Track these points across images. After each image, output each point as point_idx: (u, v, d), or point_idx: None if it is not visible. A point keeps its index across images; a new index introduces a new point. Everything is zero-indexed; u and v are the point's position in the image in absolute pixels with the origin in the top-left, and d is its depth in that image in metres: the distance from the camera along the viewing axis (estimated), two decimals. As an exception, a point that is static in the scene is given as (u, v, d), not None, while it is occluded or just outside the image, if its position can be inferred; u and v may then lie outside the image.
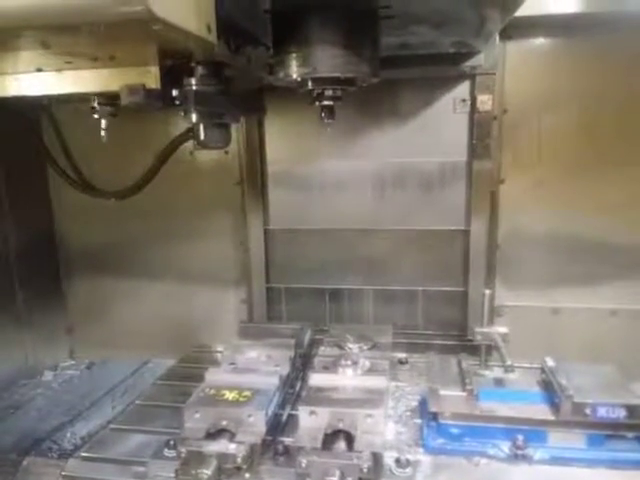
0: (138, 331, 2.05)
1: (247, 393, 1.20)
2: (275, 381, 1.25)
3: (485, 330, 1.50)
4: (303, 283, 1.93)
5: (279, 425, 1.26)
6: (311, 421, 1.11)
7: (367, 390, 1.19)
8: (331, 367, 1.29)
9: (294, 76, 1.14)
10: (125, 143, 1.88)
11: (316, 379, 1.23)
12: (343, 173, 1.85)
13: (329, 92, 1.21)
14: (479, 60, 1.67)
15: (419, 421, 1.31)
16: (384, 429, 1.11)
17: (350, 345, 1.40)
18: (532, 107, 1.72)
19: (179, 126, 1.60)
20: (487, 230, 1.81)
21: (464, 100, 1.75)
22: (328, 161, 1.85)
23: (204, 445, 1.07)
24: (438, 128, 1.78)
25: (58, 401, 1.74)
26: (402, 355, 1.65)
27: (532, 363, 1.71)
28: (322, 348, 1.40)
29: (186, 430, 1.13)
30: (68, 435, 1.51)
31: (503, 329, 1.49)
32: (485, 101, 1.72)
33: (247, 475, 1.09)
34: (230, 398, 1.18)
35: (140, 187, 1.65)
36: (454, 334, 1.92)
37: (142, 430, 1.32)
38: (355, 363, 1.28)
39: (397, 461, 1.08)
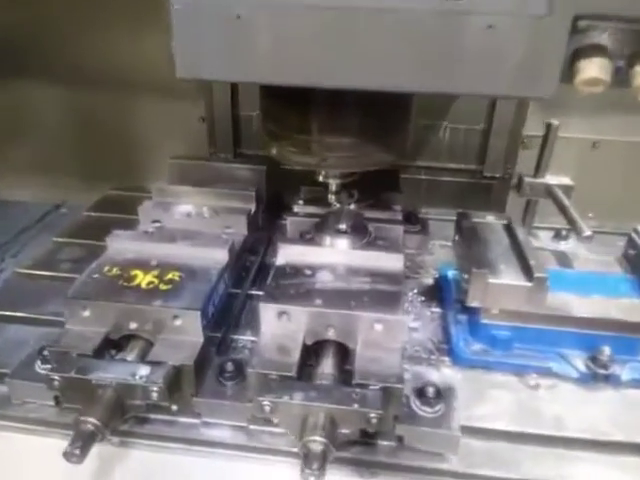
0: (67, 154, 1.57)
1: (174, 275, 0.72)
2: (222, 255, 0.77)
3: (540, 181, 1.02)
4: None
5: (231, 312, 0.81)
6: (280, 327, 0.66)
7: (374, 275, 0.72)
8: (313, 234, 0.81)
9: (297, 161, 0.78)
10: None
11: (288, 254, 0.75)
12: None
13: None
14: None
15: (438, 310, 0.89)
16: (403, 344, 0.67)
17: (341, 198, 0.90)
18: None
19: None
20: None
21: None
22: None
23: (92, 368, 0.62)
24: None
25: None
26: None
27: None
28: (299, 202, 0.90)
29: (67, 338, 0.67)
30: None
31: (567, 180, 1.02)
32: None
33: (174, 408, 0.66)
34: (144, 284, 0.71)
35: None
36: (468, 169, 1.45)
37: (18, 317, 0.86)
38: (355, 228, 0.80)
39: (420, 393, 0.65)
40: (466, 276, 0.78)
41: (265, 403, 0.58)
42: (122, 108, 1.51)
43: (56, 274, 0.98)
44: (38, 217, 1.40)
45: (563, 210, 0.93)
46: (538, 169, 1.01)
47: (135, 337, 0.68)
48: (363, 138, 0.70)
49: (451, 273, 0.94)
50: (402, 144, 0.76)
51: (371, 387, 0.60)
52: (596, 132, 1.43)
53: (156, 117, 1.50)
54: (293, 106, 0.70)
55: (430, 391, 0.65)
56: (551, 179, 1.01)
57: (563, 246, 1.03)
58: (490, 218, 0.94)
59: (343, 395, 0.59)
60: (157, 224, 0.87)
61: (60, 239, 1.10)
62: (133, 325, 0.67)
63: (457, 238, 0.89)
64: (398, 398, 0.60)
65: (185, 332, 0.66)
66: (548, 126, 0.97)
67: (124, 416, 0.63)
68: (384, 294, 0.68)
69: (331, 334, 0.66)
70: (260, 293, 0.88)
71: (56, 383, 0.62)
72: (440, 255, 1.06)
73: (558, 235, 1.05)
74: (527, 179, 1.02)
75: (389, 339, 0.65)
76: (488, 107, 1.43)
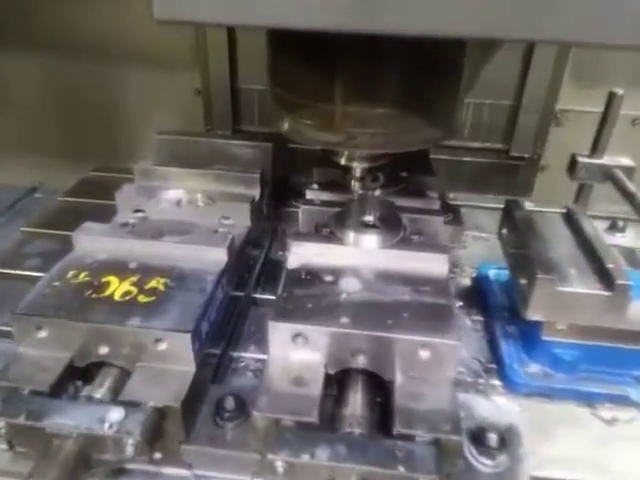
0: (46, 131, 1.47)
1: (158, 283, 0.57)
2: (220, 254, 0.61)
3: (598, 162, 0.86)
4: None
5: (231, 322, 0.66)
6: (295, 353, 0.51)
7: (414, 282, 0.57)
8: (332, 227, 0.65)
9: (316, 139, 0.59)
10: None
11: (302, 255, 0.59)
12: None
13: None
14: None
15: (480, 319, 0.74)
16: (454, 374, 0.51)
17: (365, 182, 0.74)
18: None
19: None
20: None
21: None
22: None
23: (48, 411, 0.46)
24: None
25: None
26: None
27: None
28: (313, 186, 0.74)
29: (18, 366, 0.51)
30: None
31: (627, 160, 0.86)
32: None
33: (158, 456, 0.51)
34: (118, 295, 0.55)
35: None
36: (492, 148, 1.34)
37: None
38: (385, 221, 0.64)
39: (476, 439, 0.50)
40: (524, 281, 0.62)
41: (278, 463, 0.43)
42: (107, 79, 1.39)
43: (21, 272, 0.82)
44: (10, 203, 1.23)
45: (629, 197, 0.77)
46: (596, 148, 0.84)
47: (107, 365, 0.52)
48: (404, 108, 0.53)
49: (493, 272, 0.79)
50: (451, 116, 0.60)
51: (418, 438, 0.45)
52: (636, 107, 1.29)
53: (146, 89, 1.39)
54: (311, 63, 0.53)
55: (491, 438, 0.50)
56: (609, 160, 0.85)
57: (619, 239, 0.88)
58: (530, 204, 0.79)
59: (382, 452, 0.44)
60: (139, 214, 0.71)
61: (29, 229, 0.94)
62: (104, 350, 0.52)
63: (506, 232, 0.73)
64: (455, 454, 0.45)
65: (171, 359, 0.51)
66: (611, 95, 0.81)
67: (89, 471, 0.48)
68: (430, 309, 0.53)
69: (361, 362, 0.51)
70: (266, 297, 0.74)
71: (1, 431, 0.46)
72: (475, 249, 0.91)
73: (614, 226, 0.89)
74: (582, 160, 0.86)
75: (438, 370, 0.50)
76: (518, 78, 1.29)
